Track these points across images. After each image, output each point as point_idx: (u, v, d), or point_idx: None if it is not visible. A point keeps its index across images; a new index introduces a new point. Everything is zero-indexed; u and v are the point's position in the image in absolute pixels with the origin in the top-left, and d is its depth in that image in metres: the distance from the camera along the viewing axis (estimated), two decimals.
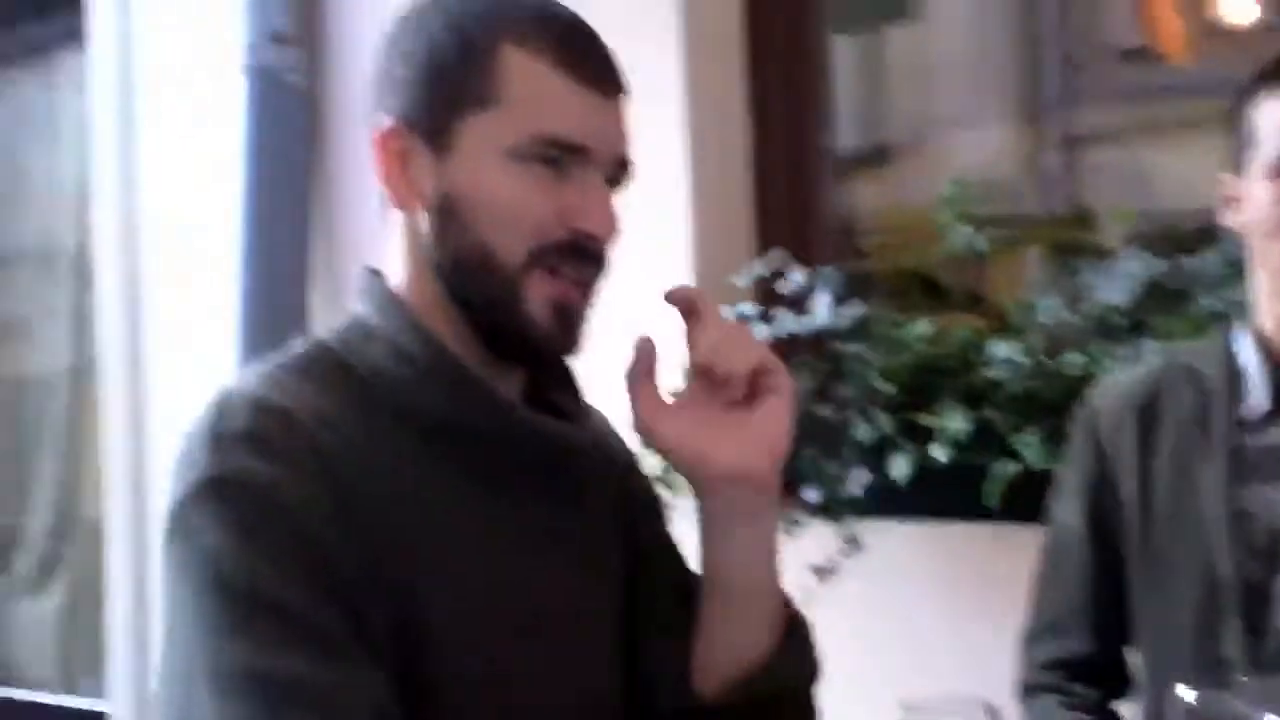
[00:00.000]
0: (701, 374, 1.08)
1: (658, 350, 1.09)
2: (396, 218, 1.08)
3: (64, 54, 3.49)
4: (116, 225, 3.15)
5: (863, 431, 1.97)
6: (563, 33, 1.05)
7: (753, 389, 1.07)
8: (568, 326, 1.05)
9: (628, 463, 1.22)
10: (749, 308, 2.12)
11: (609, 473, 1.16)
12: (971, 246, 2.13)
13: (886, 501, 1.97)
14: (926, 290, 2.44)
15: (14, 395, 3.83)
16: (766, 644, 1.09)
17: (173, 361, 3.01)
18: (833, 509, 1.97)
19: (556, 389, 1.14)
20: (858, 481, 1.96)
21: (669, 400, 1.09)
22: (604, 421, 1.22)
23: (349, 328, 1.08)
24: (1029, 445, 1.82)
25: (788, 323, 2.05)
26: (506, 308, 1.03)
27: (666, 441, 1.07)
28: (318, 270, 2.71)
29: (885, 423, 1.95)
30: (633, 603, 1.15)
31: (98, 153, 3.22)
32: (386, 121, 1.06)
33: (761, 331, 2.04)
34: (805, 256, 2.28)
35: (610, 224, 1.05)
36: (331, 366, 1.04)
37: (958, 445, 1.88)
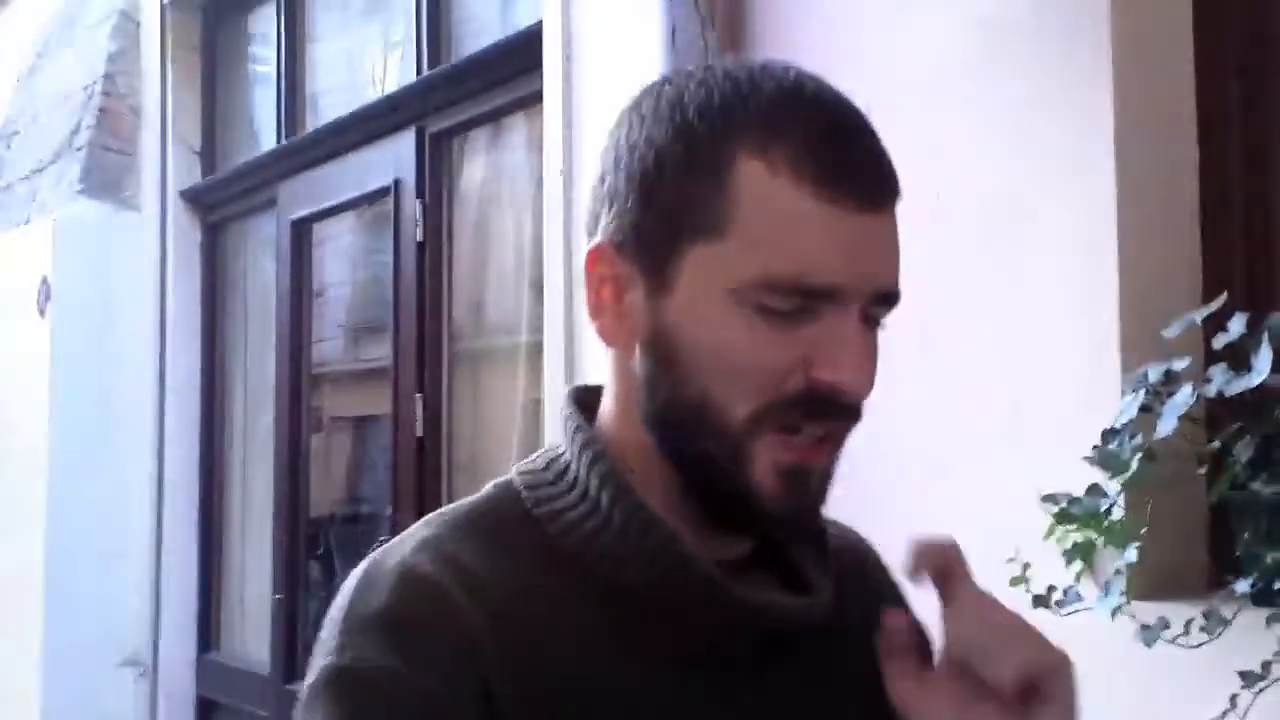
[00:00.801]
0: (958, 665, 0.87)
1: (911, 621, 0.91)
2: (610, 351, 0.93)
3: (523, 117, 3.63)
4: (558, 272, 3.22)
5: None
6: (814, 132, 0.85)
7: (1024, 692, 0.85)
8: (801, 494, 0.87)
9: (896, 598, 1.03)
10: (1179, 363, 1.83)
11: (871, 648, 0.93)
12: None
13: None
14: None
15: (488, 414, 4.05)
16: None
17: None
18: (1269, 603, 1.65)
19: (797, 544, 0.95)
20: None
21: (930, 675, 0.89)
22: (857, 549, 1.05)
23: (543, 468, 0.94)
24: None
25: (1219, 380, 1.75)
26: (726, 473, 0.86)
27: None
28: None
29: None
30: None
31: (548, 204, 3.31)
32: (598, 241, 0.90)
33: (1187, 393, 1.75)
34: (1264, 300, 1.96)
35: (863, 375, 0.85)
36: (510, 518, 0.91)
37: None
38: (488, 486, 0.95)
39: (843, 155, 0.85)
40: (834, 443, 0.88)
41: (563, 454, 0.93)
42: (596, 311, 0.91)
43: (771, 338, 0.84)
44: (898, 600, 1.04)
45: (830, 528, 1.01)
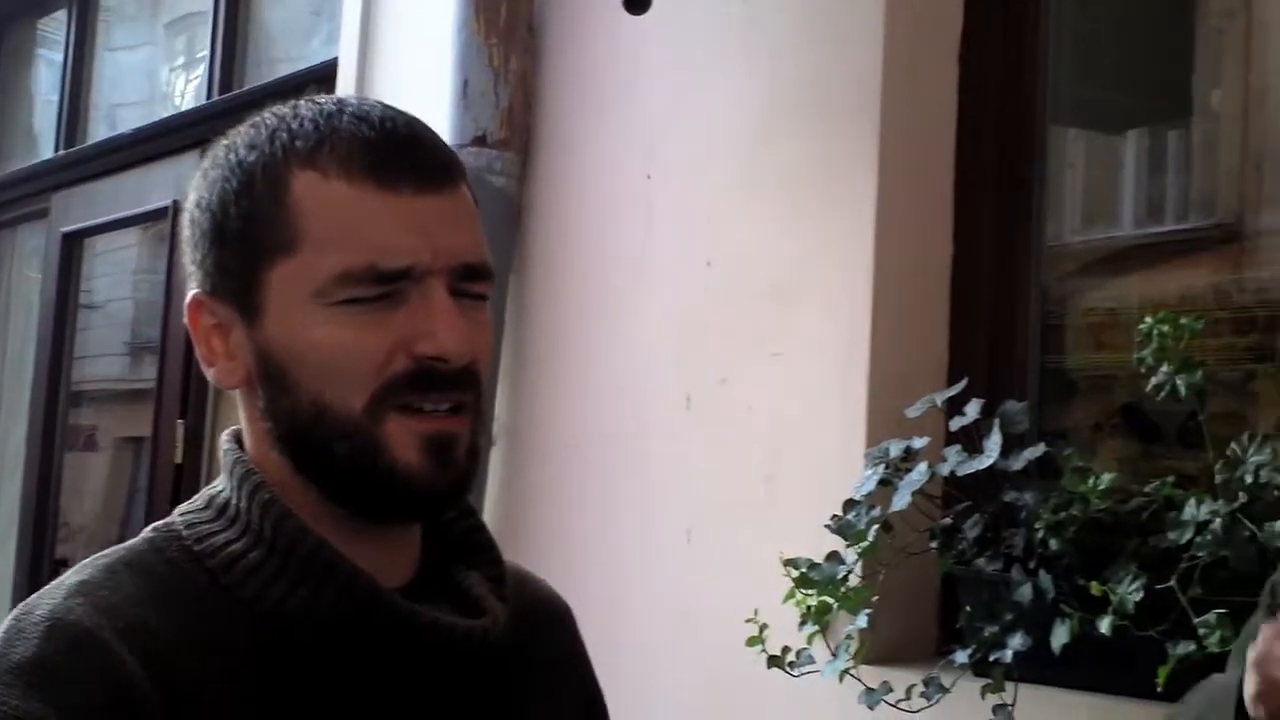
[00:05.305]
0: None
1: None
2: (238, 397, 0.95)
3: None
4: None
5: (1024, 591, 1.75)
6: (358, 137, 0.89)
7: None
8: (446, 462, 0.89)
9: (571, 655, 1.07)
10: (918, 442, 1.93)
11: (549, 675, 0.98)
12: (1175, 391, 1.88)
13: (1046, 669, 1.75)
14: (1138, 430, 2.19)
15: None
16: None
17: None
18: (986, 673, 1.76)
19: (466, 566, 0.97)
20: (1014, 646, 1.74)
21: None
22: (546, 602, 1.07)
23: (204, 506, 0.93)
24: (1210, 626, 1.58)
25: (953, 460, 1.86)
26: (366, 464, 0.88)
27: None
28: (505, 371, 2.67)
29: (1048, 583, 1.73)
30: None
31: None
32: (193, 292, 0.93)
33: (923, 470, 1.85)
34: (1004, 387, 2.08)
35: (461, 339, 0.88)
36: (172, 558, 0.90)
37: (1128, 617, 1.64)
38: (146, 530, 0.94)
39: (390, 150, 0.89)
40: (466, 413, 0.90)
41: (222, 491, 0.93)
42: (209, 361, 0.93)
43: (363, 329, 0.87)
44: (580, 663, 1.08)
45: (532, 584, 1.06)
